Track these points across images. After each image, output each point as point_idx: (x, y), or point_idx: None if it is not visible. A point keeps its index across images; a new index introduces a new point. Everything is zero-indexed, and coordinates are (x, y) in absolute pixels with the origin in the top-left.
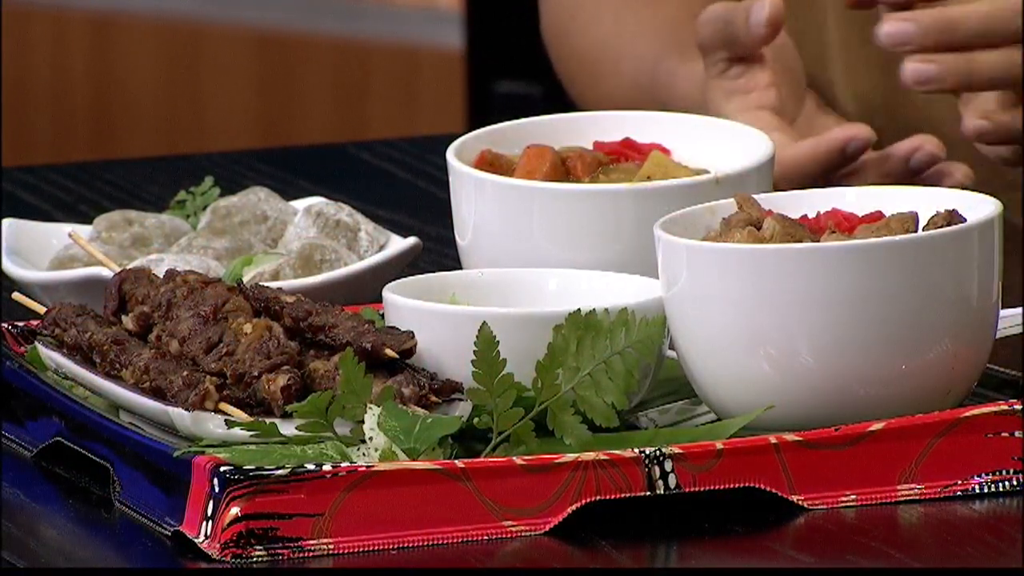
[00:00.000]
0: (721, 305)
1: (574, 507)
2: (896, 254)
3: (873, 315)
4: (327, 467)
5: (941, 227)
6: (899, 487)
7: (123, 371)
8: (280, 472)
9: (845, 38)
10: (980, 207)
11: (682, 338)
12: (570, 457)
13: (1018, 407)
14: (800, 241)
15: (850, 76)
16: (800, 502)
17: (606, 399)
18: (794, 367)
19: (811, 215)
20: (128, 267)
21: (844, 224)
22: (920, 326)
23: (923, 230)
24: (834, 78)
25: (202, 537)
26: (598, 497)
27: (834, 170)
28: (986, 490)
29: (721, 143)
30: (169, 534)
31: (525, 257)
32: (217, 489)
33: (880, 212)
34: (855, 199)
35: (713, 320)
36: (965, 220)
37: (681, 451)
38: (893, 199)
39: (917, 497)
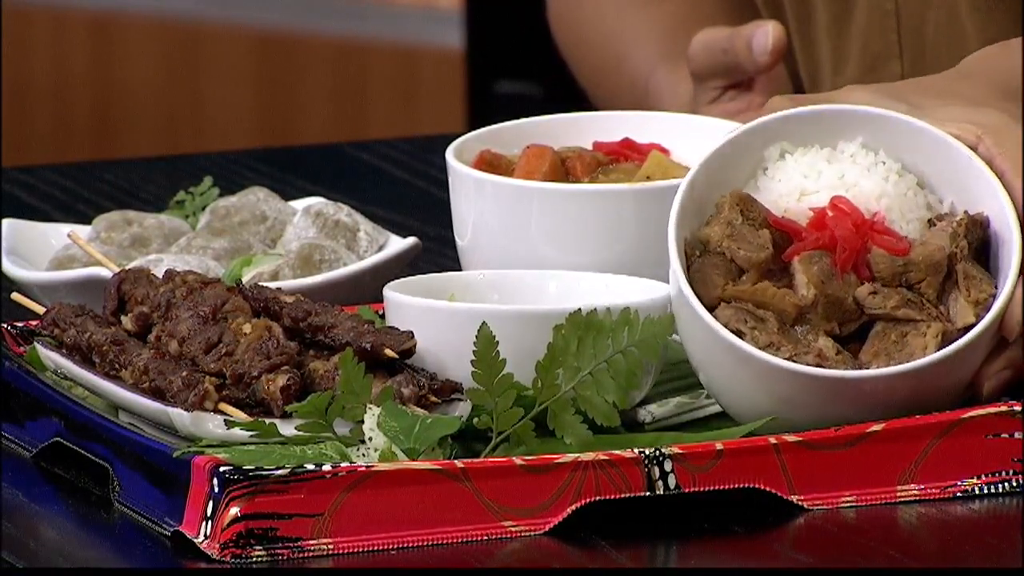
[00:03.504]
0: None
1: (574, 507)
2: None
3: None
4: (327, 467)
5: (966, 226)
6: (899, 488)
7: (122, 371)
8: (280, 472)
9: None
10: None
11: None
12: (570, 457)
13: (1018, 408)
14: (840, 302)
15: (837, 64)
16: (800, 502)
17: (607, 398)
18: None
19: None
20: (127, 267)
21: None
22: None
23: (951, 239)
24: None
25: (202, 537)
26: (598, 497)
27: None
28: (986, 491)
29: None
30: (169, 534)
31: (524, 257)
32: (217, 489)
33: (908, 243)
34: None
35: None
36: (988, 222)
37: (681, 451)
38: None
39: (917, 498)
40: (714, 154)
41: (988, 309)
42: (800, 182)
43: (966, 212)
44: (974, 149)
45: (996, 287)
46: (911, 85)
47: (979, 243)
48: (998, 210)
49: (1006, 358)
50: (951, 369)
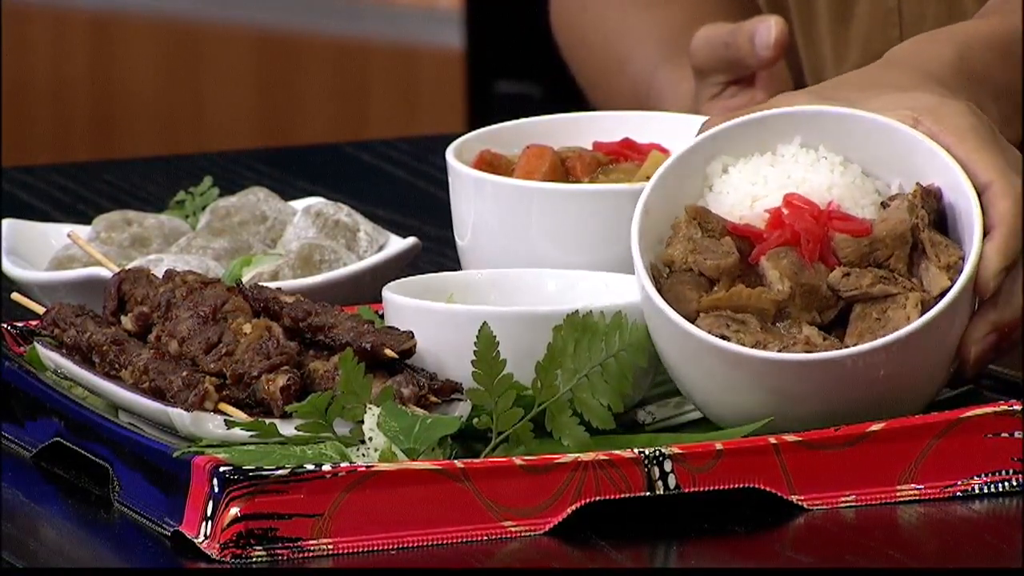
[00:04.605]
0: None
1: (574, 507)
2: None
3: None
4: (327, 467)
5: (921, 196)
6: (899, 487)
7: (122, 371)
8: (280, 472)
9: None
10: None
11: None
12: (570, 457)
13: (1018, 408)
14: (816, 289)
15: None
16: (800, 502)
17: (602, 401)
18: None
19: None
20: (127, 267)
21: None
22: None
23: (909, 210)
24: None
25: (202, 537)
26: (598, 497)
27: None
28: (986, 490)
29: None
30: (169, 534)
31: (524, 257)
32: (217, 489)
33: (868, 224)
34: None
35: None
36: (941, 194)
37: (681, 451)
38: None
39: (917, 497)
40: (658, 181)
41: (960, 272)
42: (749, 190)
43: (918, 184)
44: None
45: (963, 251)
46: (838, 83)
47: (935, 215)
48: (951, 179)
49: (988, 322)
50: (937, 335)
